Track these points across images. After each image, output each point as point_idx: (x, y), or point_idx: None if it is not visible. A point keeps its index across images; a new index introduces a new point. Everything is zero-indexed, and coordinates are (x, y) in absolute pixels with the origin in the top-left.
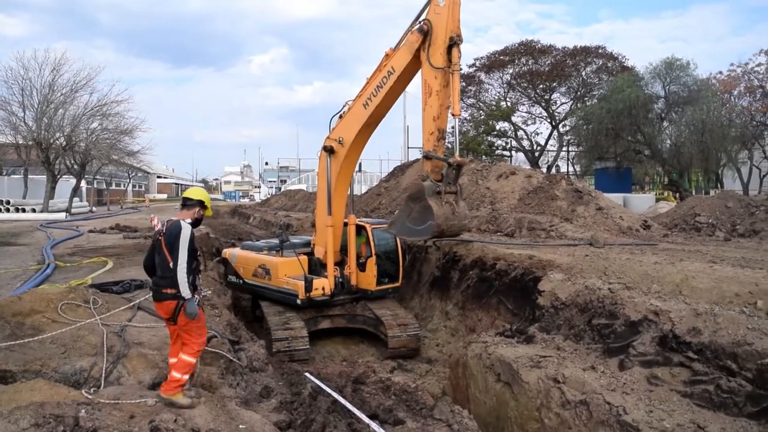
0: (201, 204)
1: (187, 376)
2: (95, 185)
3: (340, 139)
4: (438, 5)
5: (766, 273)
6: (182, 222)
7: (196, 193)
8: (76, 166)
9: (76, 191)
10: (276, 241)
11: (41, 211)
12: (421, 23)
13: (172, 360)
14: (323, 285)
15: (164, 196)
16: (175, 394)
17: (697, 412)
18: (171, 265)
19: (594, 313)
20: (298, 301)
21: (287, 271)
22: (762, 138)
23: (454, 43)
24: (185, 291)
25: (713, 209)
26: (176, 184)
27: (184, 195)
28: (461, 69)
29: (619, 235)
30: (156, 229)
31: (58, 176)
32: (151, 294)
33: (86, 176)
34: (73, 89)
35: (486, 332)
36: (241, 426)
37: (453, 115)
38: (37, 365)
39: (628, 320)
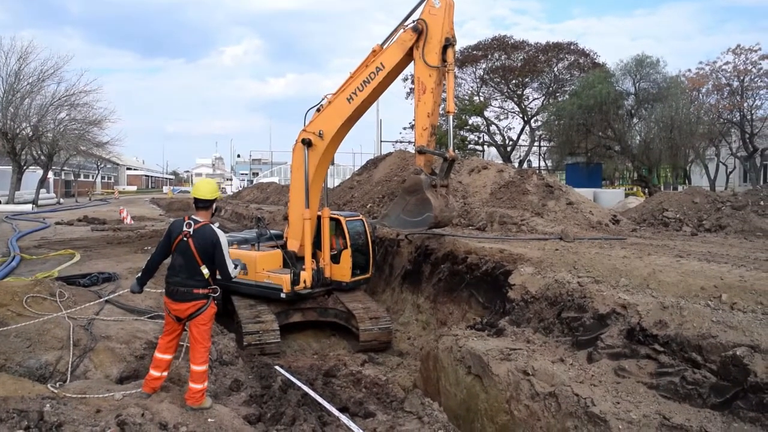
0: (215, 200)
1: (207, 383)
2: (63, 176)
3: (320, 132)
4: (434, 6)
5: (731, 267)
6: (216, 229)
7: (207, 191)
8: (43, 157)
9: (43, 182)
10: (243, 234)
11: (7, 203)
12: (416, 22)
13: (159, 355)
14: (304, 278)
15: (134, 188)
16: (202, 402)
17: (662, 403)
18: (203, 269)
19: (563, 306)
20: (283, 295)
21: (266, 265)
22: (729, 135)
23: (449, 43)
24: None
25: (681, 204)
26: (146, 176)
27: (194, 195)
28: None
29: (588, 230)
30: (176, 227)
31: (25, 167)
32: (168, 292)
33: (54, 167)
34: (40, 78)
35: (457, 325)
36: (209, 420)
37: (447, 112)
38: (0, 359)
39: (596, 313)
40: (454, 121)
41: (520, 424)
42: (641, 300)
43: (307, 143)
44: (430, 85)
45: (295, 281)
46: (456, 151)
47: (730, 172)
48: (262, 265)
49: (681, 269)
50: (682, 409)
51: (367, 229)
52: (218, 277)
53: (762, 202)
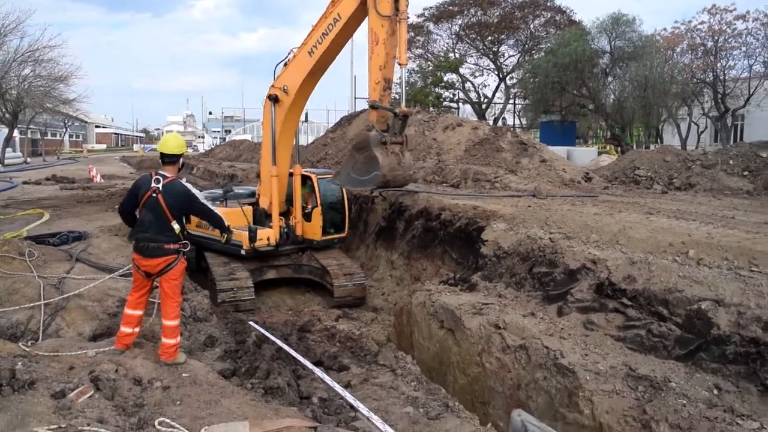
0: (182, 155)
1: (179, 338)
2: (29, 135)
3: (285, 87)
4: None
5: (699, 224)
6: (184, 183)
7: (174, 146)
8: (7, 115)
9: (8, 141)
10: (217, 191)
11: None
12: None
13: (129, 311)
14: (268, 235)
15: (103, 146)
16: (176, 358)
17: (629, 355)
18: (174, 224)
19: (535, 261)
20: (243, 252)
21: (231, 222)
22: (701, 95)
23: None
24: (227, 228)
25: (652, 163)
26: (116, 134)
27: (160, 150)
28: (408, 18)
29: (561, 187)
30: (143, 182)
31: None
32: (137, 248)
33: (19, 126)
34: (1, 33)
35: (430, 281)
36: (184, 374)
37: (399, 64)
38: None
39: (567, 269)
40: (428, 78)
41: (491, 376)
42: (611, 255)
43: (274, 99)
44: (383, 35)
45: (251, 238)
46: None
47: (702, 132)
48: (232, 221)
49: (650, 226)
50: (648, 361)
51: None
52: (211, 227)
53: (731, 162)
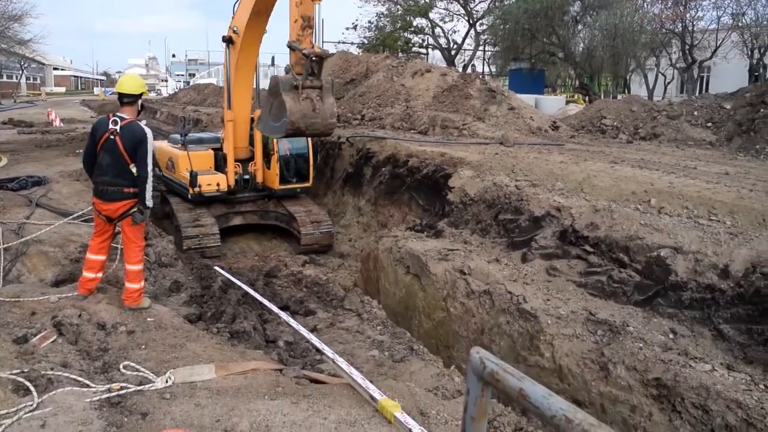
0: (141, 95)
1: (143, 282)
2: None
3: (235, 28)
4: None
5: (662, 174)
6: (143, 126)
7: (132, 86)
8: None
9: None
10: (201, 135)
11: None
12: None
13: (91, 256)
14: (217, 181)
15: (62, 89)
16: (141, 303)
17: (590, 300)
18: (132, 167)
19: (501, 208)
20: (189, 196)
21: (189, 165)
22: (669, 46)
23: None
24: (150, 200)
25: (618, 112)
26: (75, 76)
27: (118, 90)
28: None
29: (529, 135)
30: (101, 125)
31: None
32: (96, 192)
33: None
34: None
35: (397, 227)
36: (149, 319)
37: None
38: None
39: (532, 216)
40: (397, 23)
41: (456, 321)
42: (575, 203)
43: (227, 40)
44: None
45: (191, 183)
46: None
47: (669, 83)
48: (185, 165)
49: (614, 175)
50: (607, 306)
51: None
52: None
53: (696, 113)
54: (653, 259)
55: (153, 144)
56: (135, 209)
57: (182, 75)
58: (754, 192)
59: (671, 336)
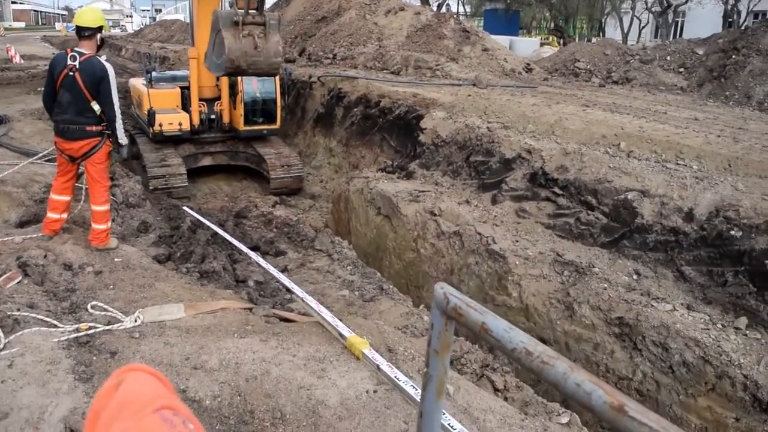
0: (101, 29)
1: (110, 222)
2: None
3: None
4: None
5: (633, 118)
6: (104, 62)
7: (90, 19)
8: None
9: None
10: (175, 72)
11: None
12: None
13: (55, 196)
14: (179, 120)
15: (22, 24)
16: (107, 243)
17: (557, 241)
18: (94, 105)
19: (472, 150)
20: (150, 135)
21: (155, 104)
22: None
23: None
24: (123, 138)
25: (592, 56)
26: (35, 11)
27: (76, 23)
28: None
29: (502, 77)
30: (59, 61)
31: None
32: (57, 131)
33: None
34: None
35: (368, 168)
36: (116, 259)
37: None
38: None
39: (503, 158)
40: None
41: (426, 261)
42: (546, 146)
43: None
44: None
45: (149, 121)
46: None
47: (643, 27)
48: (149, 103)
49: (586, 118)
50: (574, 247)
51: None
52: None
53: (669, 57)
54: (620, 202)
55: (115, 79)
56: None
57: (148, 11)
58: (721, 138)
59: (635, 277)
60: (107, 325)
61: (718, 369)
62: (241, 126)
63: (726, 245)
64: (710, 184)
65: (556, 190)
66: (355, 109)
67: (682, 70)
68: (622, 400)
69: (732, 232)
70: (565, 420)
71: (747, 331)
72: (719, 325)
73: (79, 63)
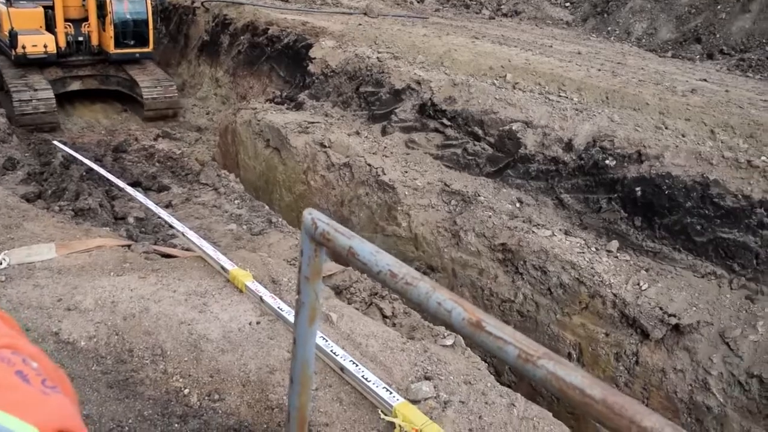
0: None
1: None
2: None
3: None
4: None
5: (520, 50)
6: None
7: None
8: None
9: None
10: None
11: None
12: None
13: None
14: (44, 42)
15: None
16: None
17: (445, 172)
18: None
19: (362, 81)
20: (13, 58)
21: (16, 24)
22: None
23: None
24: None
25: None
26: None
27: None
28: None
29: (393, 7)
30: None
31: None
32: None
33: None
34: None
35: (257, 99)
36: None
37: None
38: None
39: (392, 89)
40: None
41: (316, 193)
42: (435, 77)
43: None
44: None
45: (10, 43)
46: None
47: None
48: (8, 23)
49: (475, 50)
50: (462, 177)
51: None
52: None
53: None
54: (505, 132)
55: None
56: None
57: None
58: (602, 71)
59: (518, 205)
60: None
61: (591, 289)
62: (112, 49)
63: (601, 174)
64: (589, 116)
65: (445, 121)
66: (241, 38)
67: (568, 4)
68: (480, 316)
69: (607, 162)
70: (449, 342)
71: (618, 254)
72: (593, 249)
73: None
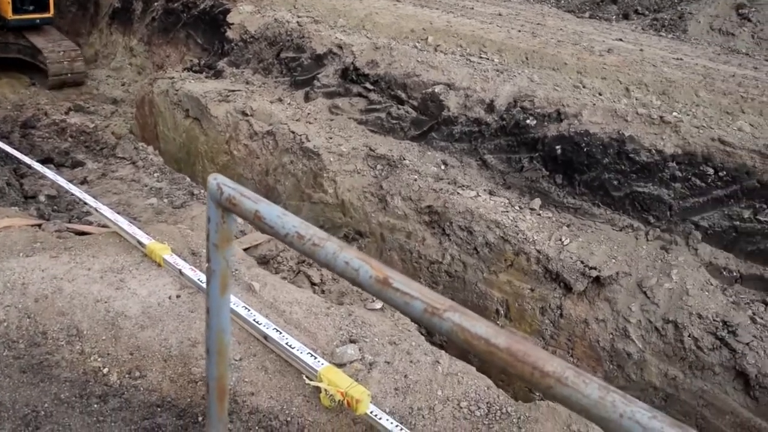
0: None
1: None
2: None
3: None
4: None
5: (441, 13)
6: None
7: None
8: None
9: None
10: None
11: None
12: None
13: None
14: None
15: None
16: None
17: (370, 136)
18: None
19: (282, 46)
20: None
21: None
22: None
23: None
24: None
25: None
26: None
27: None
28: None
29: None
30: None
31: None
32: None
33: None
34: None
35: (174, 68)
36: None
37: None
38: None
39: (314, 54)
40: None
41: (240, 163)
42: (356, 41)
43: None
44: None
45: None
46: None
47: None
48: None
49: (396, 12)
50: (386, 142)
51: None
52: None
53: None
54: (428, 95)
55: None
56: None
57: None
58: (522, 33)
59: (443, 167)
60: None
61: (515, 247)
62: (10, 15)
63: (522, 134)
64: (509, 77)
65: (368, 85)
66: (155, 3)
67: None
68: (387, 273)
69: (528, 122)
70: (378, 306)
71: (540, 211)
72: (517, 207)
73: None
